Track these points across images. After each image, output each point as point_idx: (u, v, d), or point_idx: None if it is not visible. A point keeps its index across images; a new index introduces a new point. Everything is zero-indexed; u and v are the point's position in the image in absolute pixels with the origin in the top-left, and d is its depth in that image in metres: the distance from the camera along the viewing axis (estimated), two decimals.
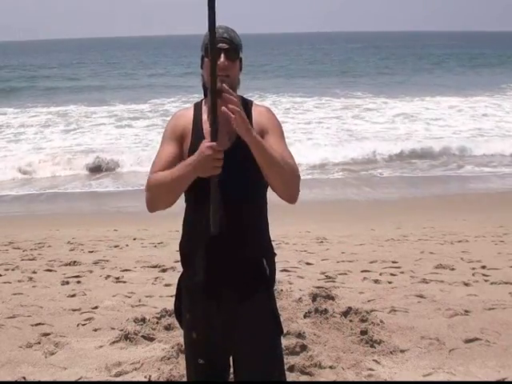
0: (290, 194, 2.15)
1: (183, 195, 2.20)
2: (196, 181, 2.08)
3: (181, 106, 21.95)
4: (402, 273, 5.65)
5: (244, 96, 2.27)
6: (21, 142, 15.85)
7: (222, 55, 2.12)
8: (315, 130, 16.81)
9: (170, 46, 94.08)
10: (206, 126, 2.15)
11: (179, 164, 2.11)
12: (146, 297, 4.96)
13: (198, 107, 2.29)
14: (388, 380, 3.42)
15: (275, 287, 2.34)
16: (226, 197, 2.10)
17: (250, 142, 2.01)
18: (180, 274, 2.32)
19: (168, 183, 2.10)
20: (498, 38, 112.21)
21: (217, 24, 2.05)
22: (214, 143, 1.99)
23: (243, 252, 2.18)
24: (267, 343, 2.23)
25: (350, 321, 4.16)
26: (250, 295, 2.19)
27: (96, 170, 12.87)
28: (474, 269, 5.72)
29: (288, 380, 2.91)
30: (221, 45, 2.13)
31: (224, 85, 2.01)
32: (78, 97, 25.73)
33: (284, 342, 3.33)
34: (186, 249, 2.27)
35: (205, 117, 2.23)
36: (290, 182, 2.12)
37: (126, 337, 3.96)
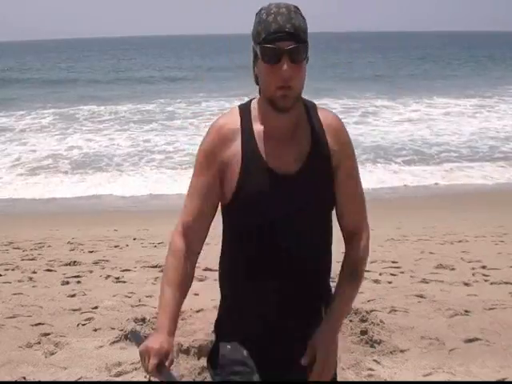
0: None
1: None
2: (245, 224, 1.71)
3: (185, 107, 21.94)
4: (402, 273, 5.65)
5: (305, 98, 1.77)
6: (23, 143, 15.80)
7: (286, 59, 1.55)
8: None
9: (169, 47, 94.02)
10: (262, 145, 1.67)
11: (163, 306, 1.69)
12: (146, 297, 4.95)
13: (245, 115, 1.71)
14: (388, 380, 3.43)
15: None
16: (292, 226, 1.70)
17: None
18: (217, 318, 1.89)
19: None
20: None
21: (274, 4, 1.57)
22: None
23: (308, 297, 1.77)
24: None
25: (350, 321, 4.15)
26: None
27: (97, 169, 12.85)
28: (474, 269, 5.72)
29: None
30: (281, 44, 1.55)
31: None
32: (79, 97, 25.70)
33: None
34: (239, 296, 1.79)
35: (258, 127, 1.68)
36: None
37: (126, 337, 3.96)
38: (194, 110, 21.19)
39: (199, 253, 1.77)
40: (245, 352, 1.75)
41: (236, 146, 1.67)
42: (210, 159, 1.68)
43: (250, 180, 1.65)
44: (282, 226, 1.68)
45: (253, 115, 1.70)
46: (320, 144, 1.71)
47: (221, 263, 1.85)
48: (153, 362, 1.60)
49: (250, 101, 1.75)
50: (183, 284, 1.72)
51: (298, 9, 1.61)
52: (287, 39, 1.55)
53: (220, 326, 1.85)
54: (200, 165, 1.70)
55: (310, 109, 1.75)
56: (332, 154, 1.71)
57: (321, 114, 1.75)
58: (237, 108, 1.73)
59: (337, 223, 1.82)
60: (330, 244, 1.82)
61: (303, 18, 1.61)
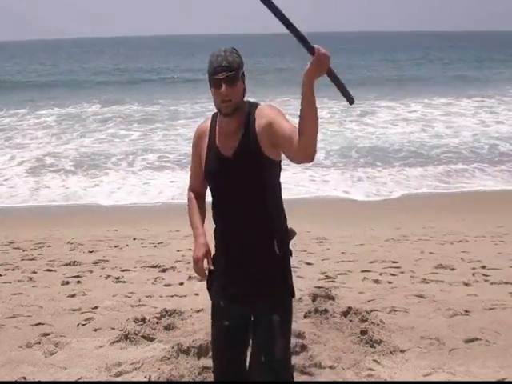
0: (313, 151, 2.20)
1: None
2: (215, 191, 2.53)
3: (189, 107, 22.05)
4: (402, 273, 5.65)
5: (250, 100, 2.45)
6: (25, 143, 15.77)
7: (223, 84, 2.32)
8: None
9: (169, 47, 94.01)
10: (218, 138, 2.48)
11: (195, 224, 2.62)
12: (146, 297, 4.96)
13: (214, 120, 2.54)
14: (388, 380, 3.43)
15: None
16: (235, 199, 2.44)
17: (305, 93, 2.09)
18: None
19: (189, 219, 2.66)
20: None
21: (217, 50, 2.35)
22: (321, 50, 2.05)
23: (255, 236, 2.45)
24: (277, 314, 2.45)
25: (350, 321, 4.16)
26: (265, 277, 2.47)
27: (98, 169, 12.84)
28: (474, 269, 5.72)
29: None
30: (220, 75, 2.32)
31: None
32: (81, 97, 25.68)
33: None
34: (217, 234, 2.59)
35: (218, 127, 2.50)
36: (315, 139, 2.18)
37: (126, 337, 3.97)
38: (196, 110, 21.19)
39: (204, 194, 2.71)
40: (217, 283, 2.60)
41: (206, 140, 2.55)
42: (194, 148, 2.62)
43: (210, 161, 2.51)
44: (228, 191, 2.47)
45: (218, 119, 2.53)
46: (249, 130, 2.41)
47: None
48: (201, 267, 2.56)
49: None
50: (201, 212, 2.68)
51: (234, 49, 2.40)
52: (223, 71, 2.32)
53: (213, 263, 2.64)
54: (192, 153, 2.65)
55: (251, 107, 2.45)
56: (258, 134, 2.38)
57: (258, 109, 2.45)
58: (211, 115, 2.60)
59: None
60: (270, 209, 2.48)
61: (237, 55, 2.38)
